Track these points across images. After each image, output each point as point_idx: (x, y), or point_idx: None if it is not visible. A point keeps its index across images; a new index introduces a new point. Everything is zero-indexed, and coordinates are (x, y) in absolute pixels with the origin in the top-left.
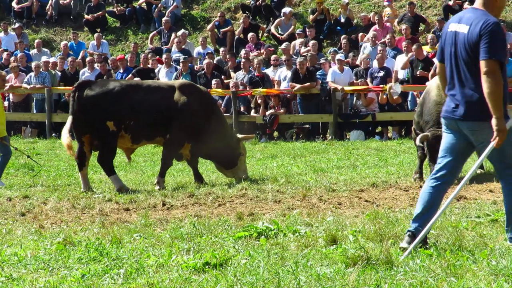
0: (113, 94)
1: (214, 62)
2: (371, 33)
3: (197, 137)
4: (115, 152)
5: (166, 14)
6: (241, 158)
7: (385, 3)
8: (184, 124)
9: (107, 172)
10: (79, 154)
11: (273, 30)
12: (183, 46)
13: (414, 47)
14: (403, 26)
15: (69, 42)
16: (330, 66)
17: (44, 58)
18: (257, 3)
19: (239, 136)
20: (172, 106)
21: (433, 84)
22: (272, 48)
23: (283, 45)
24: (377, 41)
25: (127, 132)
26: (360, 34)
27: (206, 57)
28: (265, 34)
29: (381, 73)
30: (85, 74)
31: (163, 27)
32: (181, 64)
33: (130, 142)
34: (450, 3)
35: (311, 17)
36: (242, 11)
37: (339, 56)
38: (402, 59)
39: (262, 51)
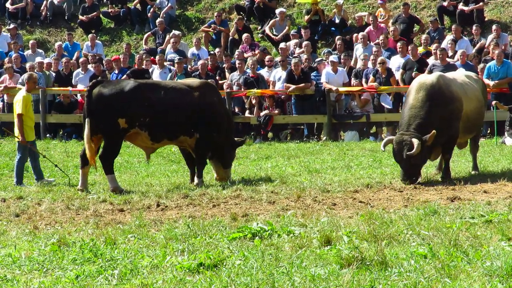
0: (126, 91)
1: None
2: (361, 34)
3: (221, 135)
4: (118, 151)
5: (161, 15)
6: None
7: (379, 2)
8: (212, 123)
9: (105, 170)
10: (83, 153)
11: (267, 31)
12: (177, 47)
13: (409, 47)
14: (392, 28)
15: (63, 43)
16: (325, 67)
17: (38, 59)
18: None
19: (237, 139)
20: (197, 105)
21: (413, 86)
22: (267, 54)
23: (281, 45)
24: (368, 42)
25: (143, 129)
26: (355, 35)
27: (209, 57)
28: (260, 35)
29: (370, 75)
30: (79, 75)
31: (157, 28)
32: (175, 65)
33: (150, 141)
34: (445, 4)
35: (305, 17)
36: (236, 12)
37: (333, 58)
38: (396, 59)
39: (256, 52)
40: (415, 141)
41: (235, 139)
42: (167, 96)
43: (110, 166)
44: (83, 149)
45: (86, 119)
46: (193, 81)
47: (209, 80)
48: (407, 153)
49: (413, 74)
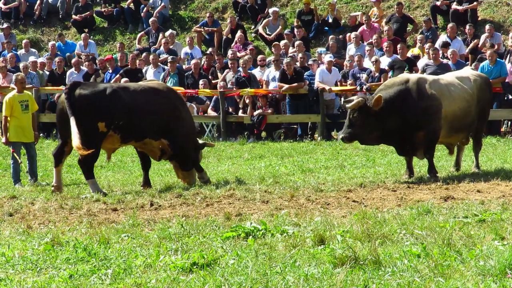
0: (106, 95)
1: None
2: (353, 33)
3: (185, 139)
4: (98, 156)
5: (154, 15)
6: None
7: (372, 0)
8: (182, 126)
9: (86, 175)
10: (58, 152)
11: (261, 30)
12: (170, 47)
13: (398, 46)
14: (386, 27)
15: (56, 42)
16: (318, 67)
17: (31, 58)
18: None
19: (200, 141)
20: (163, 108)
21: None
22: (253, 48)
23: (274, 44)
24: (360, 42)
25: (117, 132)
26: (348, 34)
27: (205, 57)
28: (253, 35)
29: (363, 74)
30: (72, 75)
31: (150, 27)
32: (168, 64)
33: (119, 142)
34: (438, 3)
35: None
36: (233, 8)
37: (329, 57)
38: (384, 59)
39: (247, 51)
40: (358, 98)
41: (199, 141)
42: (139, 99)
43: (90, 171)
44: (56, 148)
45: (71, 118)
46: (159, 84)
47: (201, 80)
48: (347, 105)
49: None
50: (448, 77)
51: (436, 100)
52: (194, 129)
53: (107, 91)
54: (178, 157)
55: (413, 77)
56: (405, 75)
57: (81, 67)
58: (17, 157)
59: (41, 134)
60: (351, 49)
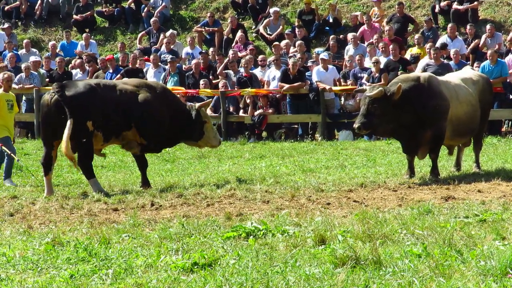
0: (91, 93)
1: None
2: (350, 34)
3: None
4: (93, 155)
5: (155, 15)
6: (207, 126)
7: (373, 0)
8: (152, 122)
9: (86, 175)
10: (46, 159)
11: (261, 30)
12: (171, 47)
13: (391, 47)
14: (387, 27)
15: (59, 41)
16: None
17: (32, 58)
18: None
19: (197, 105)
20: (134, 104)
21: None
22: (253, 48)
23: (275, 44)
24: (358, 42)
25: (99, 130)
26: (349, 34)
27: (200, 56)
28: (254, 35)
29: (364, 74)
30: (77, 75)
31: (151, 27)
32: (169, 64)
33: (102, 141)
34: (441, 5)
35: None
36: (233, 8)
37: (323, 55)
38: (383, 60)
39: (248, 51)
40: (379, 88)
41: (195, 105)
42: (114, 96)
43: (90, 170)
44: (43, 157)
45: (70, 120)
46: (132, 81)
47: (202, 80)
48: (367, 93)
49: (399, 73)
50: (455, 79)
51: (445, 100)
52: (177, 111)
53: (89, 88)
54: (150, 145)
55: (425, 74)
56: (416, 73)
57: (86, 66)
58: (7, 150)
59: None
60: (349, 50)
